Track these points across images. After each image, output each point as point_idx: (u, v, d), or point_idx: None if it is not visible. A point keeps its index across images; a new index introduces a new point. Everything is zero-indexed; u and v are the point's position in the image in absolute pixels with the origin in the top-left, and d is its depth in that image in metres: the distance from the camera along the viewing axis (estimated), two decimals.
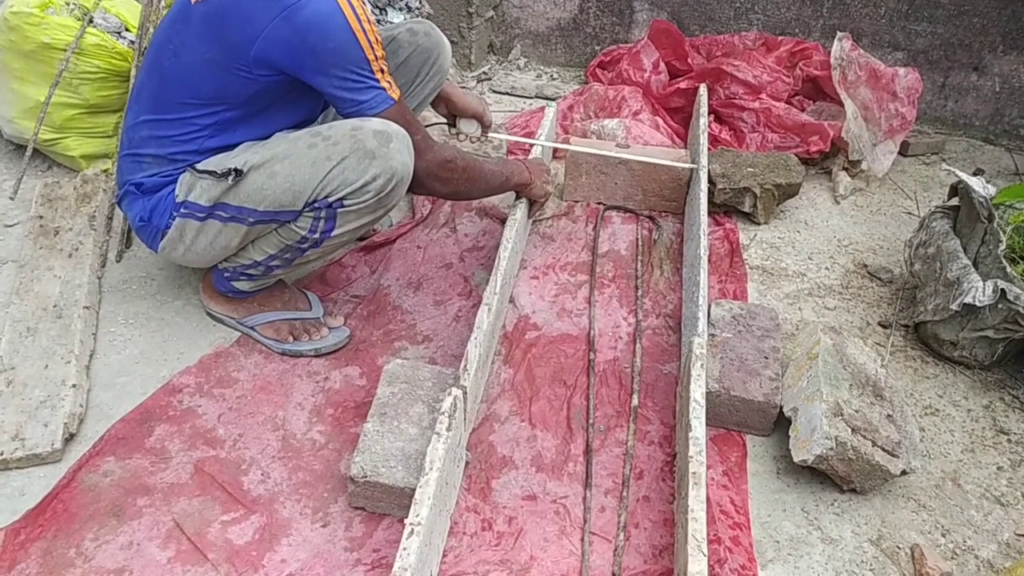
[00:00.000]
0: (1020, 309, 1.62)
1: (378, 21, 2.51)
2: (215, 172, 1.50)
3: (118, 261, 1.94)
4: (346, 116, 1.50)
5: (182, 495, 1.40)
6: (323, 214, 1.51)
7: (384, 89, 1.48)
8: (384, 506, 1.38)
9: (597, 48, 2.98)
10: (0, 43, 2.14)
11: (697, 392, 1.43)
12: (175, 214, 1.56)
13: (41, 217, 2.01)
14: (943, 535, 1.43)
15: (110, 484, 1.41)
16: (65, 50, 2.08)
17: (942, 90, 2.76)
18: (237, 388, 1.62)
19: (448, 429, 1.32)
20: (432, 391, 1.51)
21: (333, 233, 1.54)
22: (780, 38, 2.67)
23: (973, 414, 1.68)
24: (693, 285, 1.70)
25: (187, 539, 1.33)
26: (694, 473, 1.27)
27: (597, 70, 2.84)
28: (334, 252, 1.81)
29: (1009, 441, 1.62)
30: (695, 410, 1.39)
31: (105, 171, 2.19)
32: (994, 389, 1.74)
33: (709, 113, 2.50)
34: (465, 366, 1.49)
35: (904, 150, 2.62)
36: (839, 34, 2.41)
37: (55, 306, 1.74)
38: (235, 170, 1.48)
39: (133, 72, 2.12)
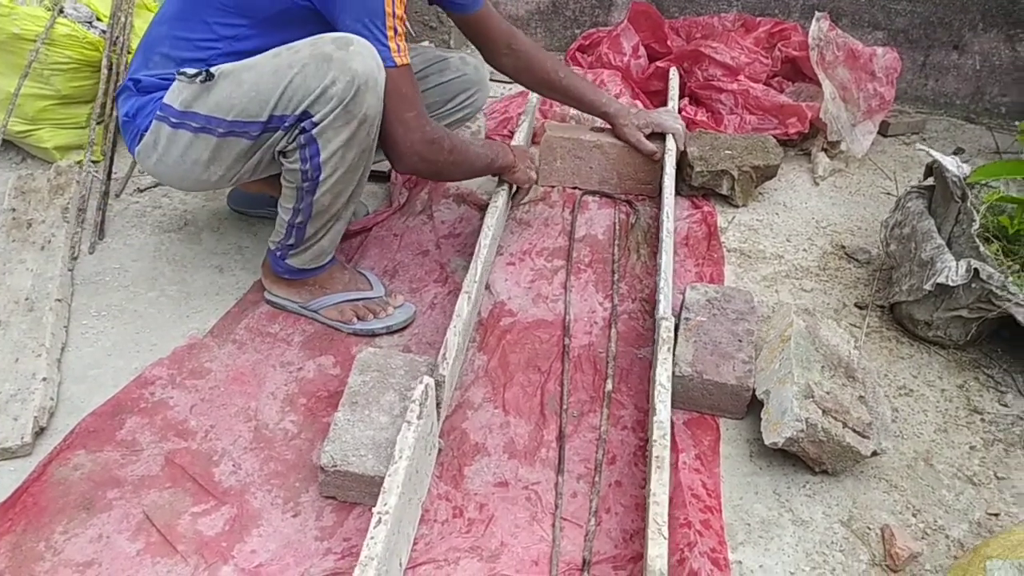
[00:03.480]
0: (993, 288, 1.62)
1: None
2: (187, 74, 1.49)
3: (91, 253, 1.93)
4: None
5: (152, 487, 1.40)
6: (301, 139, 1.49)
7: (390, 49, 1.48)
8: (355, 495, 1.38)
9: (577, 31, 2.97)
10: None
11: (663, 376, 1.42)
12: (156, 115, 1.55)
13: (14, 210, 2.00)
14: (914, 515, 1.43)
15: (80, 477, 1.41)
16: (35, 40, 2.06)
17: (922, 69, 2.75)
18: (210, 379, 1.61)
19: (419, 417, 1.31)
20: (404, 379, 1.50)
21: (321, 158, 1.51)
22: (759, 19, 2.66)
23: (947, 394, 1.68)
24: (661, 269, 1.70)
25: (157, 531, 1.32)
26: (657, 457, 1.27)
27: (577, 54, 2.82)
28: (349, 193, 1.63)
29: (983, 420, 1.62)
30: (660, 394, 1.39)
31: (79, 162, 2.18)
32: (968, 369, 1.74)
33: (687, 96, 2.49)
34: (444, 354, 1.48)
35: (884, 130, 2.61)
36: (817, 14, 2.40)
37: (27, 299, 1.73)
38: (205, 71, 1.48)
39: (105, 63, 2.10)
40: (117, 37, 2.13)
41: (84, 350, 1.67)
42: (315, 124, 1.47)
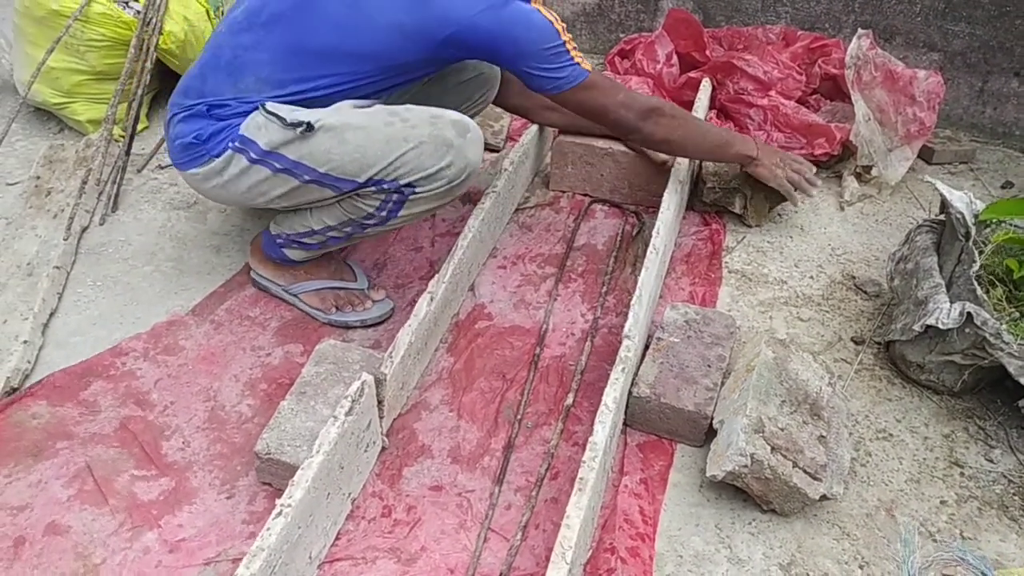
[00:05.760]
0: (987, 335, 1.51)
1: None
2: (284, 119, 1.49)
3: (101, 224, 2.01)
4: (542, 92, 1.65)
5: (100, 444, 1.45)
6: (393, 197, 1.55)
7: (577, 64, 1.62)
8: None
9: (621, 35, 2.92)
10: (17, 8, 2.24)
11: (610, 396, 1.39)
12: (232, 145, 1.53)
13: (38, 178, 2.10)
14: (861, 567, 1.35)
15: (36, 426, 1.47)
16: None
17: (980, 95, 2.59)
18: (181, 356, 1.66)
19: (348, 413, 1.32)
20: (357, 374, 1.51)
21: (400, 214, 1.59)
22: (800, 33, 2.55)
23: (930, 442, 1.58)
24: (639, 285, 1.66)
25: (93, 481, 1.37)
26: (581, 479, 1.24)
27: (616, 58, 2.76)
28: (388, 232, 1.78)
29: (962, 475, 1.52)
30: (603, 414, 1.36)
31: (106, 136, 2.26)
32: (960, 418, 1.63)
33: (717, 108, 2.42)
34: (391, 353, 1.49)
35: (928, 157, 2.48)
36: (860, 31, 2.29)
37: (28, 264, 1.81)
38: (307, 124, 1.48)
39: (134, 41, 2.18)
40: (151, 18, 2.20)
41: (72, 317, 1.74)
42: (415, 193, 1.54)
